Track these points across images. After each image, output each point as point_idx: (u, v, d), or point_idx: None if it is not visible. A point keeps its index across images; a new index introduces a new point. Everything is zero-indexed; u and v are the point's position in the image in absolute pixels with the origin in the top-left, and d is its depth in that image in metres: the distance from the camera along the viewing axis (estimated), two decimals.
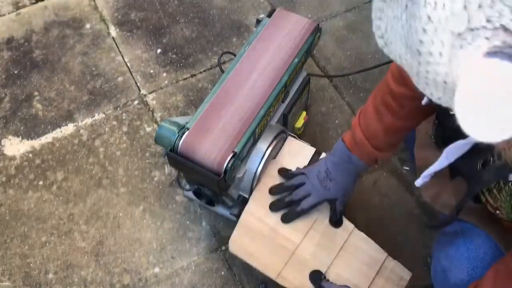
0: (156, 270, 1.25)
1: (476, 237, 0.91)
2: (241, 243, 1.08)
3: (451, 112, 0.51)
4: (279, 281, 1.05)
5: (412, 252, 1.25)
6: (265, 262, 1.06)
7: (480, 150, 0.46)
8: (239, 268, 1.24)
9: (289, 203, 1.08)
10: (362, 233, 1.09)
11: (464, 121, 0.42)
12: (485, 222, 0.92)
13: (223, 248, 1.27)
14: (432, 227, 1.20)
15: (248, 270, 1.23)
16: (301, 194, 1.07)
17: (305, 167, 1.12)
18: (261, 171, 1.11)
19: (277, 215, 1.09)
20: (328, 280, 1.02)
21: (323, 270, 1.04)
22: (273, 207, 1.09)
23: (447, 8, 0.43)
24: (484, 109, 0.41)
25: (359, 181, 1.23)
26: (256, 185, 1.11)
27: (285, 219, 1.08)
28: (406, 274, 1.06)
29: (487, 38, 0.42)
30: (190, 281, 1.23)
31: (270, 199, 1.10)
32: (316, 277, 1.03)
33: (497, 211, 0.86)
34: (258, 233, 1.08)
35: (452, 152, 0.78)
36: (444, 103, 0.50)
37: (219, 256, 1.26)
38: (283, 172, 1.13)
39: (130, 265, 1.25)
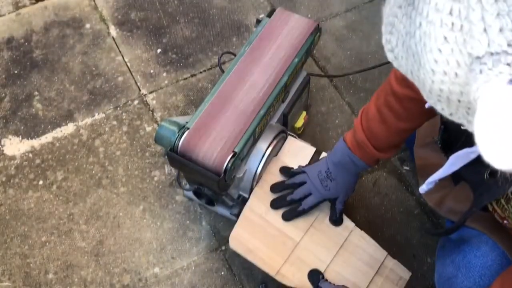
0: (156, 270, 1.25)
1: (483, 244, 0.90)
2: (241, 239, 1.08)
3: (462, 127, 0.50)
4: (278, 278, 1.05)
5: (412, 252, 1.25)
6: (264, 259, 1.06)
7: None
8: (239, 268, 1.24)
9: (290, 201, 1.08)
10: (362, 232, 1.09)
11: (484, 149, 0.40)
12: (492, 230, 0.91)
13: (223, 248, 1.27)
14: (436, 235, 1.19)
15: (248, 270, 1.23)
16: (302, 193, 1.07)
17: (306, 165, 1.12)
18: (261, 171, 1.11)
19: (278, 213, 1.09)
20: (326, 280, 1.03)
21: (322, 268, 1.05)
22: (274, 204, 1.10)
23: (465, 30, 0.42)
24: (506, 138, 0.39)
25: (359, 181, 1.23)
26: (257, 183, 1.12)
27: (286, 218, 1.09)
28: (406, 274, 1.06)
29: (508, 65, 0.40)
30: (190, 281, 1.23)
31: (271, 196, 1.11)
32: (315, 276, 1.03)
33: (505, 221, 0.86)
34: (258, 230, 1.08)
35: (458, 160, 0.77)
36: (456, 119, 0.49)
37: (219, 256, 1.26)
38: (284, 170, 1.13)
39: (130, 265, 1.26)
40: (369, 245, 1.08)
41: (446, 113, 0.49)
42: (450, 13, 0.42)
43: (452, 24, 0.42)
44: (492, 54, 0.41)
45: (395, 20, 0.49)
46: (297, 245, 1.07)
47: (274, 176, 1.13)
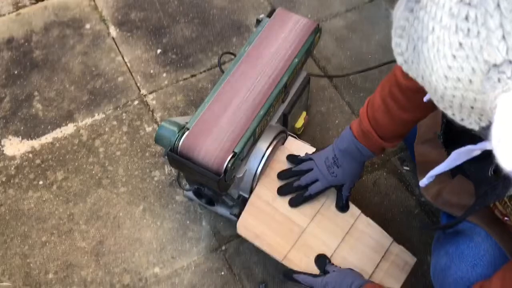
0: (156, 270, 1.25)
1: (476, 235, 0.91)
2: (248, 225, 1.09)
3: (473, 132, 0.50)
4: (285, 263, 1.06)
5: (412, 252, 1.24)
6: (272, 245, 1.07)
7: (491, 156, 0.45)
8: (239, 267, 1.24)
9: (296, 188, 1.09)
10: (368, 218, 1.10)
11: (502, 158, 0.40)
12: (489, 223, 0.91)
13: (224, 248, 1.27)
14: (433, 230, 1.20)
15: (248, 269, 1.23)
16: (309, 180, 1.08)
17: (313, 153, 1.13)
18: (261, 170, 1.11)
19: (285, 199, 1.10)
20: (333, 264, 1.04)
21: (329, 254, 1.06)
22: (281, 191, 1.11)
23: (482, 36, 0.41)
24: None
25: (359, 181, 1.23)
26: (257, 182, 1.12)
27: (293, 204, 1.10)
28: (411, 259, 1.08)
29: None
30: (190, 281, 1.23)
31: (278, 183, 1.12)
32: (322, 261, 1.05)
33: (506, 218, 0.86)
34: (265, 216, 1.09)
35: (460, 156, 0.77)
36: (467, 124, 0.49)
37: (219, 256, 1.26)
38: (291, 157, 1.14)
39: (130, 265, 1.26)
40: (375, 231, 1.09)
41: (457, 118, 0.48)
42: (466, 18, 0.42)
43: (468, 30, 0.41)
44: (511, 62, 0.40)
45: (406, 24, 0.48)
46: (303, 231, 1.08)
47: (281, 164, 1.14)
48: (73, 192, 1.35)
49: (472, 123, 0.48)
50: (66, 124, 1.46)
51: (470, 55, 0.42)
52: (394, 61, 0.53)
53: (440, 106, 0.49)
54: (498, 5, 0.39)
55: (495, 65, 0.41)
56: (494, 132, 0.40)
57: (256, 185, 1.12)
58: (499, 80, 0.40)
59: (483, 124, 0.47)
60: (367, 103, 1.01)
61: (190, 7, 1.66)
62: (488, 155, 0.74)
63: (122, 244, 1.28)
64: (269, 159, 1.13)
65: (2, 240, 1.29)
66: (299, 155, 1.14)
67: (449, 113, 0.49)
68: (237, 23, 1.63)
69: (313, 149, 1.16)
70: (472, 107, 0.45)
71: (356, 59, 1.55)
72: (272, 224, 1.09)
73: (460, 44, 0.42)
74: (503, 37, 0.40)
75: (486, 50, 0.41)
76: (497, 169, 0.80)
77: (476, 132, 0.49)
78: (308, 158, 1.11)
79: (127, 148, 1.41)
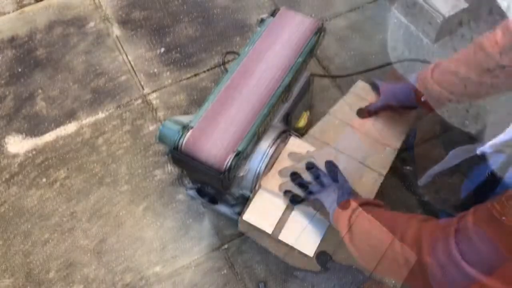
0: (158, 269, 1.25)
1: (473, 234, 0.91)
2: (251, 223, 1.10)
3: (470, 134, 0.50)
4: (287, 260, 1.06)
5: None
6: (274, 242, 1.08)
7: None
8: (241, 266, 1.24)
9: (298, 185, 1.09)
10: (369, 216, 1.10)
11: (496, 166, 0.40)
12: (489, 225, 0.91)
13: (225, 246, 1.27)
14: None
15: (250, 268, 1.23)
16: (310, 178, 1.08)
17: (314, 151, 1.13)
18: (263, 169, 1.11)
19: (287, 197, 1.10)
20: (334, 261, 1.04)
21: (330, 251, 1.06)
22: (283, 188, 1.11)
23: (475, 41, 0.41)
24: None
25: None
26: (267, 168, 1.12)
27: (294, 201, 1.10)
28: (412, 257, 1.08)
29: None
30: (192, 280, 1.23)
31: (280, 181, 1.12)
32: (323, 258, 1.05)
33: (503, 218, 0.86)
34: (267, 214, 1.09)
35: (458, 155, 0.77)
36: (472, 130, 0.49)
37: (221, 254, 1.26)
38: (293, 156, 1.14)
39: (131, 263, 1.26)
40: (376, 229, 1.09)
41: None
42: (460, 24, 0.42)
43: (462, 35, 0.42)
44: (503, 67, 0.40)
45: (402, 28, 0.49)
46: (305, 229, 1.08)
47: (283, 162, 1.14)
48: (75, 190, 1.36)
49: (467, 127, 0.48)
50: (69, 122, 1.46)
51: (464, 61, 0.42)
52: (396, 61, 0.53)
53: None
54: (491, 12, 0.40)
55: (488, 70, 0.41)
56: (488, 139, 0.40)
57: (258, 183, 1.12)
58: (491, 86, 0.40)
59: (479, 127, 0.48)
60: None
61: (193, 6, 1.66)
62: (484, 156, 0.74)
63: (124, 243, 1.28)
64: (271, 158, 1.13)
65: (5, 238, 1.30)
66: (301, 153, 1.14)
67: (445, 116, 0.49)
68: (240, 22, 1.63)
69: (315, 149, 1.17)
70: (467, 111, 0.46)
71: (359, 59, 1.55)
72: (274, 221, 1.09)
73: (455, 49, 0.42)
74: (496, 42, 0.40)
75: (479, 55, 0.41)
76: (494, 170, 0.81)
77: (473, 135, 0.50)
78: (309, 156, 1.12)
79: (129, 147, 1.42)
